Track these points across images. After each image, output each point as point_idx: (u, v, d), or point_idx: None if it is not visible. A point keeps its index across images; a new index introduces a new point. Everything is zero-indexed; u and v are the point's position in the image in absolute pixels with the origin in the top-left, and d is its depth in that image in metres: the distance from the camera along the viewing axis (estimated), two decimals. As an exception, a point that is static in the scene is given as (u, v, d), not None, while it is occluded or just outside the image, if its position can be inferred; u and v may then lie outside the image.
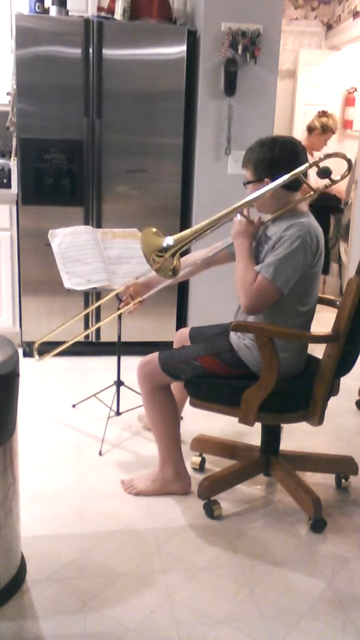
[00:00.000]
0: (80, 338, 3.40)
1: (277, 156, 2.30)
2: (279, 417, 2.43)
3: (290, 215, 2.33)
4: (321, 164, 2.30)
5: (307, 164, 2.29)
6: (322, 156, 2.33)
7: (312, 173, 2.42)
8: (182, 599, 2.00)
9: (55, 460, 2.82)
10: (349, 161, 2.33)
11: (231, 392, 2.36)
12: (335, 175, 2.33)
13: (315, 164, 2.30)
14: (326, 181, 2.35)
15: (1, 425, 1.84)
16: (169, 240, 2.29)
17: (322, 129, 4.69)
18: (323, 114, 4.77)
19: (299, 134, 6.02)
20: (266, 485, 2.69)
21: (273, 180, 2.29)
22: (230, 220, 2.39)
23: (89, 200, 3.90)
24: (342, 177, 2.37)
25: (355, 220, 4.70)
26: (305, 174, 2.32)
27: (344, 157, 2.33)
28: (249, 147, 2.39)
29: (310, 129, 4.74)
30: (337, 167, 2.37)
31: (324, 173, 2.29)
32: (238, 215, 2.37)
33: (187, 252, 2.51)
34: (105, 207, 3.93)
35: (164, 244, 2.29)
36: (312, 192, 2.40)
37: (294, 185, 2.33)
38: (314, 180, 2.73)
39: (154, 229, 2.33)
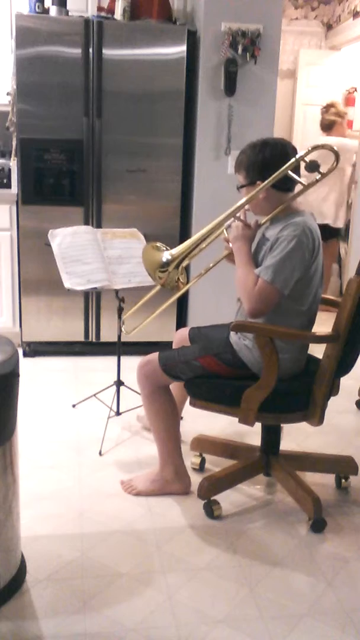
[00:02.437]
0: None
1: (267, 158, 2.30)
2: (279, 417, 2.43)
3: (286, 215, 2.33)
4: (308, 158, 2.29)
5: (292, 160, 2.28)
6: (309, 148, 2.32)
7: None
8: (182, 599, 2.00)
9: (55, 460, 2.82)
10: (336, 153, 2.33)
11: (231, 392, 2.36)
12: (323, 168, 2.34)
13: (302, 158, 2.29)
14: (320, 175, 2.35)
15: (1, 425, 1.84)
16: (167, 255, 2.30)
17: (341, 117, 4.99)
18: (330, 106, 5.01)
19: (299, 133, 6.03)
20: (266, 485, 2.69)
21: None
22: (228, 227, 2.39)
23: (89, 200, 3.90)
24: (330, 170, 2.36)
25: (355, 220, 4.70)
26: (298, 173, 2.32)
27: (330, 149, 2.33)
28: (240, 151, 2.39)
29: (331, 125, 4.98)
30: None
31: (312, 167, 2.29)
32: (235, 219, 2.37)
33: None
34: (105, 207, 3.93)
35: (164, 259, 2.29)
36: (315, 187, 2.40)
37: (286, 185, 2.33)
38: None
39: (153, 244, 2.34)
